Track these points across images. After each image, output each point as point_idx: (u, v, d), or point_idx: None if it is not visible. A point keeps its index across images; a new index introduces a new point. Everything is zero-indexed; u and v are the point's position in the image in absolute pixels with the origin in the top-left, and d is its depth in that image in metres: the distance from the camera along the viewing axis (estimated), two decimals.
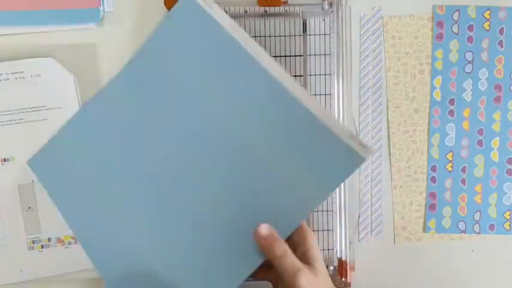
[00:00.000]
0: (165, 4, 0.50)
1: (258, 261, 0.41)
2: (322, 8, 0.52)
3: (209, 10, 0.45)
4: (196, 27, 0.46)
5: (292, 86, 0.42)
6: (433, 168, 0.55)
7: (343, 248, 0.52)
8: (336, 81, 0.52)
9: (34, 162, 0.50)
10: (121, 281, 0.46)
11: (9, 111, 0.51)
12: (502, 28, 0.54)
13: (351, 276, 0.52)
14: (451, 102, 0.55)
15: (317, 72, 0.52)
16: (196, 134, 0.45)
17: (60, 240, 0.52)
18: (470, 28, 0.54)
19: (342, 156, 0.41)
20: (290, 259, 0.39)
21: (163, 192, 0.46)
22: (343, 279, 0.51)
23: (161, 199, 0.46)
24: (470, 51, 0.54)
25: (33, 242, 0.52)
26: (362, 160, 0.40)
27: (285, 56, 0.52)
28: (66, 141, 0.49)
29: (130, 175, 0.47)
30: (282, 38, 0.52)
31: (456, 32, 0.54)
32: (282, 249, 0.39)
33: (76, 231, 0.48)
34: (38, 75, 0.51)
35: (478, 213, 0.55)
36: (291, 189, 0.42)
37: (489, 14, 0.54)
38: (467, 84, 0.54)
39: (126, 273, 0.46)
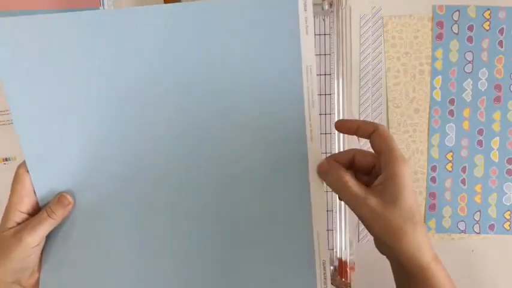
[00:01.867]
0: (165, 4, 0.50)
1: None
2: (322, 8, 0.52)
3: (303, 33, 0.39)
4: (278, 32, 0.39)
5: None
6: (433, 168, 0.55)
7: (343, 248, 0.52)
8: (336, 81, 0.52)
9: None
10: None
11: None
12: (502, 28, 0.54)
13: (351, 276, 0.52)
14: (451, 102, 0.55)
15: (317, 72, 0.52)
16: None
17: None
18: (470, 28, 0.54)
19: (300, 276, 0.41)
20: (350, 189, 0.37)
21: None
22: (343, 279, 0.51)
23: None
24: (470, 51, 0.54)
25: None
26: None
27: None
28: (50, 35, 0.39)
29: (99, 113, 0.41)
30: None
31: (456, 32, 0.54)
32: (342, 182, 0.37)
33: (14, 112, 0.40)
34: None
35: (478, 213, 0.55)
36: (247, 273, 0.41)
37: (489, 14, 0.54)
38: (467, 84, 0.54)
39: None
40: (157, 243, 0.42)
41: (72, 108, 0.40)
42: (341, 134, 0.52)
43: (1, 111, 0.51)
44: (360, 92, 0.55)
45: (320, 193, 0.40)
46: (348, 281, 0.51)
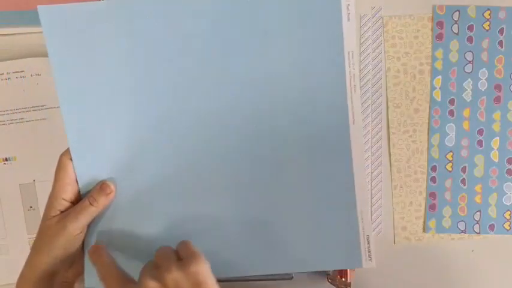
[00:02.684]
0: None
1: None
2: None
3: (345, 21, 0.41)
4: (321, 20, 0.41)
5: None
6: (433, 168, 0.55)
7: None
8: None
9: (46, 10, 0.40)
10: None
11: (10, 110, 0.51)
12: (502, 28, 0.54)
13: (351, 276, 0.52)
14: (451, 102, 0.55)
15: None
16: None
17: None
18: (470, 28, 0.54)
19: (345, 250, 0.43)
20: None
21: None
22: (343, 279, 0.51)
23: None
24: (470, 51, 0.54)
25: None
26: (359, 265, 0.43)
27: None
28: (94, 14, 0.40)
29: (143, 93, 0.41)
30: None
31: (456, 32, 0.54)
32: None
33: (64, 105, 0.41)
34: (38, 75, 0.51)
35: (478, 213, 0.55)
36: (286, 243, 0.43)
37: (489, 14, 0.54)
38: (467, 84, 0.54)
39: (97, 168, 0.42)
40: (202, 234, 0.42)
41: (118, 98, 0.41)
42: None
43: (1, 111, 0.51)
44: (360, 91, 0.55)
45: (362, 173, 0.42)
46: (348, 281, 0.51)
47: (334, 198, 0.42)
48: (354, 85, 0.41)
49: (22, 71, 0.51)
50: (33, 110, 0.52)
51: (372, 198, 0.55)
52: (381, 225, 0.55)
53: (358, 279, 0.53)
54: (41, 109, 0.52)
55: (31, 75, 0.51)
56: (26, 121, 0.52)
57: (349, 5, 0.40)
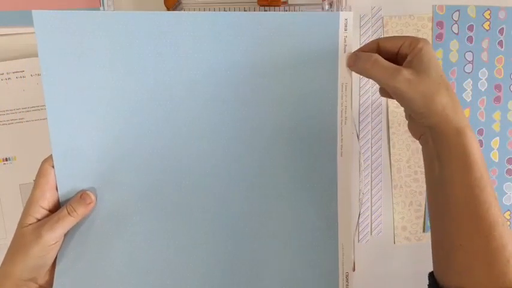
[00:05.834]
0: (165, 4, 0.51)
1: None
2: (322, 8, 0.52)
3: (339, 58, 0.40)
4: (320, 51, 0.40)
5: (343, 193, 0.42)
6: None
7: None
8: None
9: (39, 15, 0.40)
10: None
11: (10, 110, 0.51)
12: (502, 28, 0.54)
13: (351, 276, 0.52)
14: None
15: None
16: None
17: None
18: (470, 28, 0.54)
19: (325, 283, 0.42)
20: (382, 64, 0.38)
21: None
22: None
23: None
24: (470, 51, 0.54)
25: None
26: None
27: None
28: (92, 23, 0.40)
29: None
30: None
31: (456, 32, 0.54)
32: (372, 60, 0.38)
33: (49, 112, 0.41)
34: (38, 75, 0.51)
35: None
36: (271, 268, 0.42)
37: (489, 14, 0.54)
38: (467, 84, 0.54)
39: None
40: (180, 245, 0.41)
41: (103, 108, 0.40)
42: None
43: (1, 111, 0.52)
44: (360, 91, 0.55)
45: (347, 208, 0.41)
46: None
47: (315, 233, 0.41)
48: (346, 117, 0.41)
49: (22, 71, 0.51)
50: (33, 110, 0.52)
51: (371, 198, 0.55)
52: (381, 225, 0.55)
53: (358, 279, 0.53)
54: (41, 109, 0.52)
55: (31, 75, 0.51)
56: (26, 121, 0.52)
57: (346, 37, 0.40)
